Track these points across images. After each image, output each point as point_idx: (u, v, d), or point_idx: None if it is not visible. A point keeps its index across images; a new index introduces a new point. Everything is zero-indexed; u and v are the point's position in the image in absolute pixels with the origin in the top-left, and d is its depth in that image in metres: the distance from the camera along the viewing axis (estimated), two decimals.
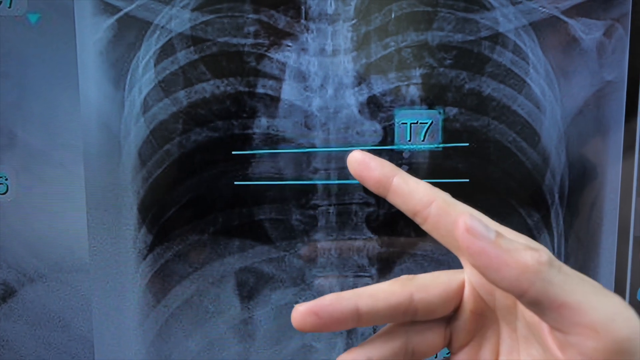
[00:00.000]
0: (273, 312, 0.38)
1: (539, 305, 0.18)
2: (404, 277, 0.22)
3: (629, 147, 0.36)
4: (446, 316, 0.23)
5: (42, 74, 0.36)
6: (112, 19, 0.35)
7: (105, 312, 0.38)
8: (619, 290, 0.38)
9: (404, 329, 0.23)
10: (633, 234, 0.37)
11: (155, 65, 0.36)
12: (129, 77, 0.36)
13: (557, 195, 0.37)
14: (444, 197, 0.22)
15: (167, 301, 0.38)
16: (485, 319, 0.23)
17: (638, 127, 0.36)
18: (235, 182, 0.37)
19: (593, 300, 0.18)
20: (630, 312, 0.18)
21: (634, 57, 0.36)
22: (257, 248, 0.37)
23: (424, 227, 0.22)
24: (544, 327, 0.19)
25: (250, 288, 0.38)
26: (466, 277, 0.23)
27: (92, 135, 0.36)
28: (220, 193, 0.37)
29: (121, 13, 0.35)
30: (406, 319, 0.22)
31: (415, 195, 0.22)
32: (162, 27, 0.35)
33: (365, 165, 0.23)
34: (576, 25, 0.35)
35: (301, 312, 0.21)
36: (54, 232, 0.37)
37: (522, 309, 0.21)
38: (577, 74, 0.36)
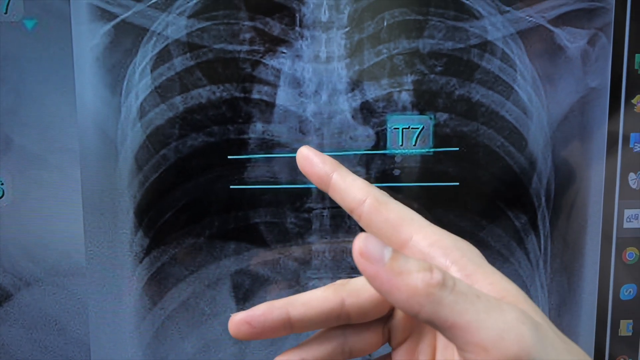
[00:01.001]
0: None
1: (433, 324, 0.18)
2: (338, 282, 0.23)
3: (611, 152, 0.38)
4: (383, 317, 0.23)
5: (39, 79, 0.36)
6: (108, 25, 0.36)
7: (102, 315, 0.38)
8: (603, 289, 0.39)
9: (340, 330, 0.23)
10: (616, 235, 0.39)
11: (151, 71, 0.36)
12: (125, 82, 0.36)
13: (543, 198, 0.38)
14: (377, 195, 0.22)
15: (163, 304, 0.38)
16: None
17: (620, 132, 0.38)
18: (231, 186, 0.37)
19: (483, 319, 0.18)
20: (524, 327, 0.18)
21: (616, 65, 0.37)
22: (252, 251, 0.38)
23: (360, 224, 0.23)
24: None
25: (245, 290, 0.38)
26: None
27: (88, 139, 0.37)
28: (216, 197, 0.37)
29: (118, 19, 0.36)
30: (340, 323, 0.23)
31: (350, 192, 0.22)
32: (159, 34, 0.36)
33: (308, 161, 0.23)
34: (561, 34, 0.37)
35: (235, 322, 0.22)
36: (51, 236, 0.37)
37: None
38: (562, 80, 0.37)
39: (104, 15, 0.36)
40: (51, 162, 0.37)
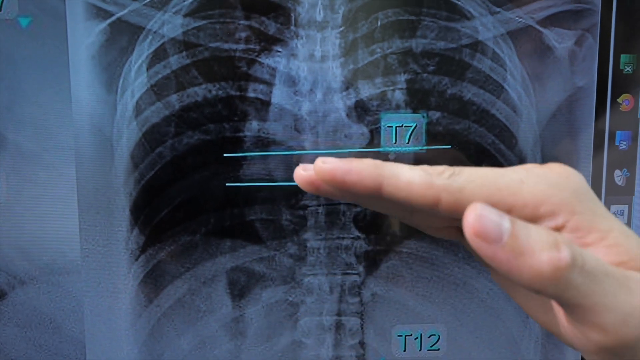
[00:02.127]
0: (264, 310, 0.39)
1: (554, 299, 0.17)
2: (445, 174, 0.19)
3: (598, 149, 0.39)
4: None
5: (34, 77, 0.36)
6: (104, 24, 0.36)
7: (98, 313, 0.38)
8: None
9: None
10: None
11: (147, 69, 0.36)
12: (121, 80, 0.36)
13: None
14: (446, 186, 0.18)
15: (159, 301, 0.39)
16: None
17: (606, 130, 0.39)
18: (227, 184, 0.38)
19: (609, 301, 0.17)
20: None
21: (603, 65, 0.38)
22: (248, 248, 0.38)
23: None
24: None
25: (241, 287, 0.39)
26: None
27: (84, 137, 0.37)
28: (212, 194, 0.38)
29: (113, 18, 0.36)
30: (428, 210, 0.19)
31: (414, 200, 0.19)
32: (155, 32, 0.36)
33: (339, 183, 0.19)
34: (550, 35, 0.38)
35: (326, 170, 0.19)
36: (46, 234, 0.37)
37: None
38: (550, 80, 0.38)
39: (100, 13, 0.36)
40: (46, 160, 0.37)
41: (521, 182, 0.19)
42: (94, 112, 0.37)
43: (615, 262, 0.18)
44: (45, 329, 0.38)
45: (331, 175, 0.19)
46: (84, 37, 0.36)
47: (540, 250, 0.16)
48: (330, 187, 0.19)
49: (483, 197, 0.18)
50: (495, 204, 0.18)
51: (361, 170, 0.18)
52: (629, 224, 0.40)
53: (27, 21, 0.36)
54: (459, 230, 0.21)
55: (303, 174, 0.19)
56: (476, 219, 0.16)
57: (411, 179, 0.18)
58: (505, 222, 0.16)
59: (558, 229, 0.18)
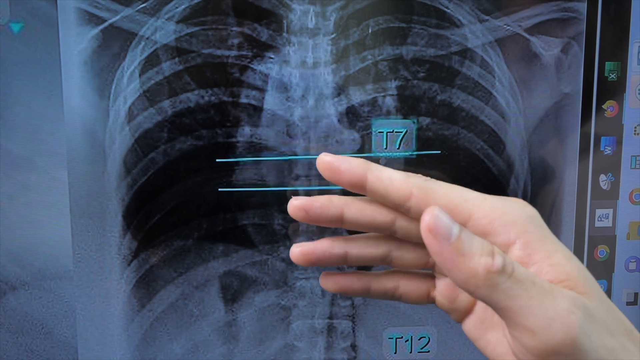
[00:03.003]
0: (256, 314, 0.39)
1: (485, 303, 0.19)
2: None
3: (584, 155, 0.40)
4: None
5: (25, 83, 0.36)
6: (96, 30, 0.36)
7: (90, 318, 0.38)
8: None
9: (389, 242, 0.24)
10: (588, 234, 0.41)
11: (140, 75, 0.37)
12: (113, 86, 0.37)
13: (520, 199, 0.40)
14: (421, 184, 0.22)
15: (152, 305, 0.39)
16: None
17: (592, 135, 0.40)
18: (219, 189, 0.38)
19: (535, 305, 0.18)
20: (572, 317, 0.18)
21: (588, 72, 0.39)
22: (240, 252, 0.39)
23: (410, 216, 0.23)
24: None
25: (234, 291, 0.39)
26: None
27: (76, 143, 0.37)
28: (204, 199, 0.38)
29: (106, 24, 0.36)
30: (385, 234, 0.24)
31: (391, 191, 0.22)
32: (147, 38, 0.36)
33: (334, 171, 0.22)
34: (537, 42, 0.38)
35: (295, 206, 0.23)
36: (38, 240, 0.37)
37: None
38: (538, 86, 0.39)
39: (92, 19, 0.36)
40: (38, 166, 0.37)
41: (484, 199, 0.22)
42: (86, 117, 0.37)
43: (555, 280, 0.20)
44: (37, 335, 0.38)
45: (329, 163, 0.23)
46: (76, 43, 0.36)
47: (478, 255, 0.19)
48: (327, 175, 0.23)
49: (449, 200, 0.21)
50: (458, 210, 0.21)
51: (352, 161, 0.23)
52: (613, 227, 0.41)
53: (19, 27, 0.36)
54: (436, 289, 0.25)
55: (295, 202, 0.23)
56: (432, 218, 0.19)
57: (392, 174, 0.22)
58: (455, 228, 0.19)
59: (509, 244, 0.21)
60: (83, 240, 0.38)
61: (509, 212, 0.21)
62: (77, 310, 0.38)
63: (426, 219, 0.19)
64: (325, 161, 0.23)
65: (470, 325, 0.24)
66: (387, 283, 0.25)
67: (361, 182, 0.22)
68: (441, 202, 0.21)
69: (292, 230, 0.39)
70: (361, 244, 0.24)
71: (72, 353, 0.39)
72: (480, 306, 0.24)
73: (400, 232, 0.23)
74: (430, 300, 0.25)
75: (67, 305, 0.38)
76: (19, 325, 0.38)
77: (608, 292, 0.41)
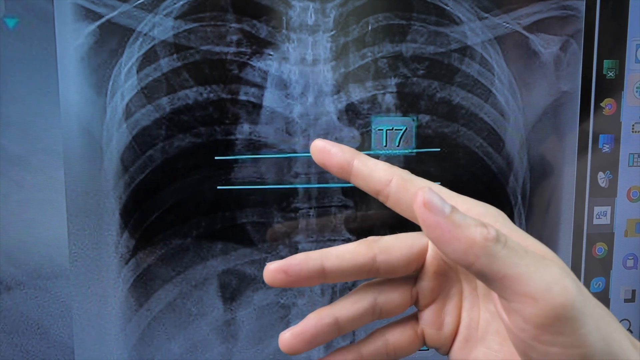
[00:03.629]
0: (255, 313, 0.39)
1: (485, 276, 0.19)
2: (370, 238, 0.24)
3: (582, 152, 0.40)
4: (411, 277, 0.24)
5: (21, 79, 0.35)
6: (93, 25, 0.36)
7: (86, 318, 0.38)
8: None
9: (371, 291, 0.24)
10: (586, 231, 0.41)
11: (138, 71, 0.36)
12: (111, 83, 0.36)
13: (519, 197, 0.40)
14: (402, 174, 0.23)
15: (149, 305, 0.38)
16: (448, 279, 0.24)
17: (590, 133, 0.40)
18: (218, 187, 0.38)
19: (532, 271, 0.19)
20: (567, 280, 0.19)
21: (586, 70, 0.39)
22: (239, 250, 0.38)
23: (388, 204, 0.24)
24: (493, 294, 0.21)
25: (232, 290, 0.39)
26: (429, 241, 0.24)
27: (73, 140, 0.36)
28: (203, 197, 0.38)
29: (103, 19, 0.36)
30: (369, 277, 0.24)
31: (375, 175, 0.23)
32: (145, 35, 0.36)
33: (326, 153, 0.24)
34: (536, 40, 0.39)
35: (272, 270, 0.22)
36: (33, 239, 0.37)
37: None
38: (536, 84, 0.39)
39: (89, 15, 0.35)
40: (33, 164, 0.36)
41: (458, 195, 0.23)
42: (83, 114, 0.36)
43: None
44: (32, 335, 0.38)
45: (322, 146, 0.24)
46: (73, 38, 0.35)
47: (474, 226, 0.19)
48: (318, 157, 0.24)
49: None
50: None
51: (342, 147, 0.24)
52: (611, 225, 0.41)
53: (14, 22, 0.35)
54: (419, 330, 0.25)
55: (271, 267, 0.23)
56: (425, 194, 0.19)
57: (377, 162, 0.24)
58: (447, 205, 0.19)
59: None
60: (79, 239, 0.37)
61: (480, 206, 0.23)
62: (74, 310, 0.38)
63: (420, 195, 0.19)
64: (318, 145, 0.24)
65: (456, 351, 0.24)
66: (376, 342, 0.25)
67: (348, 166, 0.23)
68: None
69: (270, 236, 0.38)
70: (346, 303, 0.24)
71: (68, 353, 0.38)
72: (464, 324, 0.24)
73: (383, 266, 0.23)
74: (421, 341, 0.25)
75: (63, 305, 0.38)
76: (14, 326, 0.37)
77: (606, 290, 0.42)
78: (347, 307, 0.23)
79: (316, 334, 0.23)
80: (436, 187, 0.23)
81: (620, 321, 0.42)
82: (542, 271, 0.19)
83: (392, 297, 0.24)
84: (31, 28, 0.35)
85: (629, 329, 0.42)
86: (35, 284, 0.37)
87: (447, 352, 0.25)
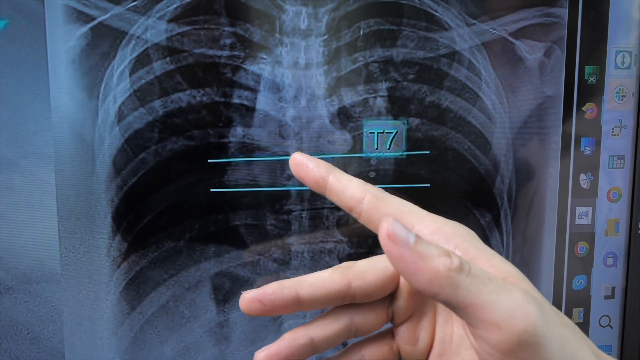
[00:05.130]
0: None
1: (450, 304, 0.20)
2: (343, 265, 0.24)
3: (565, 155, 0.41)
4: (387, 297, 0.24)
5: (10, 81, 0.35)
6: (85, 28, 0.35)
7: (78, 322, 0.38)
8: (558, 280, 0.43)
9: (347, 311, 0.24)
10: (569, 231, 0.42)
11: (130, 74, 0.36)
12: (103, 85, 0.36)
13: (505, 198, 0.41)
14: (374, 192, 0.24)
15: (142, 308, 0.38)
16: (422, 297, 0.25)
17: (572, 136, 0.41)
18: (211, 189, 0.38)
19: (495, 299, 0.19)
20: (529, 306, 0.19)
21: (569, 75, 0.41)
22: (232, 253, 0.39)
23: (360, 221, 0.24)
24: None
25: (225, 292, 0.39)
26: None
27: (64, 143, 0.36)
28: (196, 200, 0.38)
29: (95, 22, 0.35)
30: (345, 302, 0.24)
31: (347, 192, 0.24)
32: (138, 37, 0.36)
33: (303, 167, 0.24)
34: (521, 46, 0.40)
35: (247, 299, 0.23)
36: (23, 242, 0.36)
37: None
38: (522, 89, 0.40)
39: (81, 17, 0.35)
40: (24, 167, 0.36)
41: (427, 214, 0.24)
42: (75, 117, 0.36)
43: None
44: (22, 340, 0.37)
45: (299, 161, 0.24)
46: (64, 41, 0.35)
47: (438, 256, 0.19)
48: (295, 170, 0.24)
49: (396, 209, 0.23)
50: (404, 219, 0.23)
51: (319, 162, 0.24)
52: (592, 224, 0.42)
53: (4, 24, 0.35)
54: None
55: (246, 295, 0.23)
56: (389, 225, 0.19)
57: (351, 178, 0.24)
58: (411, 234, 0.20)
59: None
60: (71, 242, 0.37)
61: (449, 226, 0.23)
62: (65, 314, 0.37)
63: (384, 227, 0.19)
64: (296, 158, 0.24)
65: None
66: (352, 357, 0.25)
67: (323, 181, 0.24)
68: (390, 210, 0.23)
69: (248, 255, 0.39)
70: (321, 323, 0.24)
71: (59, 358, 0.38)
72: (438, 340, 0.25)
73: (359, 292, 0.23)
74: (397, 356, 0.26)
75: (54, 309, 0.37)
76: (3, 331, 0.37)
77: (587, 287, 0.43)
78: (323, 327, 0.24)
79: (290, 354, 0.23)
80: (408, 205, 0.24)
81: (601, 317, 0.44)
82: (505, 298, 0.19)
83: (368, 317, 0.24)
84: (21, 30, 0.35)
85: (609, 325, 0.44)
86: (25, 288, 0.37)
87: None
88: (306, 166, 0.24)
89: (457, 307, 0.20)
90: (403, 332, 0.25)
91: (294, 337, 0.23)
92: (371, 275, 0.23)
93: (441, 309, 0.25)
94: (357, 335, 0.24)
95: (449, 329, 0.24)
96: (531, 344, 0.19)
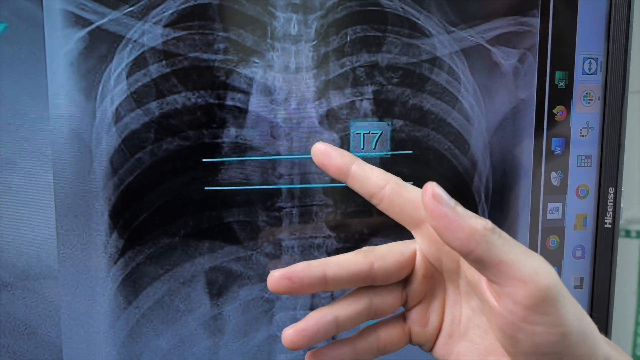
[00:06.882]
0: (241, 307, 0.41)
1: (482, 262, 0.22)
2: (365, 248, 0.26)
3: (537, 154, 0.44)
4: (401, 280, 0.27)
5: (9, 83, 0.36)
6: (83, 32, 0.36)
7: (75, 317, 0.39)
8: None
9: (367, 293, 0.26)
10: (542, 225, 0.45)
11: (127, 77, 0.37)
12: (100, 87, 0.37)
13: (483, 194, 0.44)
14: (396, 180, 0.26)
15: (138, 302, 0.40)
16: (434, 280, 0.27)
17: (544, 137, 0.44)
18: (206, 188, 0.39)
19: (522, 258, 0.21)
20: (549, 267, 0.22)
21: (541, 80, 0.44)
22: (226, 248, 0.40)
23: (380, 207, 0.26)
24: (483, 282, 0.23)
25: (219, 286, 0.41)
26: (417, 247, 0.26)
27: (62, 143, 0.37)
28: (191, 198, 0.39)
29: (93, 26, 0.37)
30: (366, 284, 0.26)
31: (371, 179, 0.25)
32: (135, 41, 0.37)
33: (327, 155, 0.26)
34: (497, 53, 0.43)
35: (276, 277, 0.24)
36: (21, 240, 0.37)
37: (464, 269, 0.25)
38: (498, 92, 0.43)
39: (79, 21, 0.36)
40: (22, 166, 0.37)
41: None
42: (73, 118, 0.37)
43: None
44: (19, 335, 0.38)
45: (323, 149, 0.26)
46: (62, 44, 0.36)
47: (475, 218, 0.22)
48: (319, 159, 0.26)
49: (416, 196, 0.25)
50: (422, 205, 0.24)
51: (343, 151, 0.26)
52: (562, 219, 0.45)
53: (3, 27, 0.36)
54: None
55: (275, 274, 0.24)
56: (435, 188, 0.22)
57: (373, 168, 0.26)
58: (451, 199, 0.22)
59: None
60: (68, 239, 0.38)
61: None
62: (62, 310, 0.38)
63: (429, 188, 0.22)
64: (320, 148, 0.26)
65: (440, 346, 0.27)
66: (369, 337, 0.27)
67: (346, 169, 0.26)
68: (410, 196, 0.25)
69: (271, 266, 0.40)
70: (344, 303, 0.26)
71: (56, 353, 0.39)
72: (447, 321, 0.27)
73: (380, 272, 0.25)
74: (407, 338, 0.27)
75: (52, 305, 0.38)
76: (2, 327, 0.38)
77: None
78: (346, 307, 0.25)
79: (317, 331, 0.24)
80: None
81: None
82: (530, 258, 0.22)
83: (386, 298, 0.26)
84: (20, 33, 0.36)
85: None
86: (24, 284, 0.38)
87: (431, 349, 0.28)
88: (329, 155, 0.26)
89: (488, 264, 0.22)
90: (415, 315, 0.27)
91: (320, 315, 0.25)
92: (391, 257, 0.25)
93: (450, 292, 0.27)
94: (375, 317, 0.26)
95: (457, 311, 0.26)
96: (552, 300, 0.21)
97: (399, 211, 0.25)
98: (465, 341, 0.26)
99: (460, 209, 0.22)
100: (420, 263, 0.26)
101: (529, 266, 0.22)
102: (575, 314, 0.22)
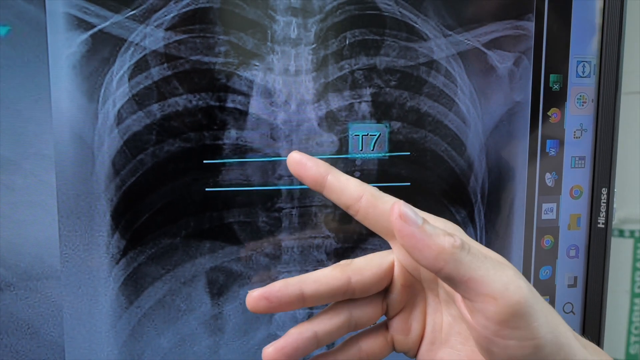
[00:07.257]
0: (241, 307, 0.42)
1: (452, 279, 0.22)
2: (342, 262, 0.26)
3: (532, 155, 0.45)
4: (381, 291, 0.26)
5: (12, 85, 0.36)
6: (86, 35, 0.37)
7: (77, 317, 0.39)
8: (526, 270, 0.46)
9: (346, 306, 0.26)
10: (536, 225, 0.46)
11: (129, 79, 0.38)
12: (102, 90, 0.38)
13: (479, 195, 0.45)
14: (372, 191, 0.25)
15: (139, 302, 0.40)
16: (413, 289, 0.27)
17: (539, 139, 0.45)
18: (207, 189, 0.40)
19: (492, 274, 0.21)
20: (520, 281, 0.22)
21: (536, 83, 0.44)
22: (226, 249, 0.41)
23: (357, 218, 0.26)
24: (457, 297, 0.23)
25: (220, 285, 0.41)
26: (395, 257, 0.26)
27: (64, 145, 0.38)
28: (192, 199, 0.40)
29: (95, 29, 0.37)
30: (345, 298, 0.25)
31: (347, 191, 0.25)
32: (137, 44, 0.38)
33: (302, 165, 0.25)
34: (493, 56, 0.43)
35: (254, 297, 0.24)
36: (24, 240, 0.38)
37: (442, 280, 0.25)
38: (493, 95, 0.44)
39: (81, 24, 0.37)
40: (25, 168, 0.37)
41: (421, 212, 0.25)
42: (75, 120, 0.38)
43: None
44: (22, 335, 0.38)
45: (298, 159, 0.26)
46: (65, 47, 0.37)
47: (443, 235, 0.22)
48: (294, 169, 0.26)
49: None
50: None
51: (317, 161, 0.26)
52: (557, 219, 0.46)
53: (6, 30, 0.36)
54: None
55: (253, 294, 0.24)
56: (401, 207, 0.22)
57: (349, 179, 0.26)
58: (419, 217, 0.22)
59: None
60: (71, 240, 0.38)
61: (440, 221, 0.26)
62: (64, 310, 0.39)
63: (396, 208, 0.22)
64: (295, 158, 0.26)
65: (423, 353, 0.27)
66: (350, 349, 0.27)
67: (322, 180, 0.25)
68: (386, 207, 0.25)
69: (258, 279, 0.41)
70: (324, 317, 0.26)
71: (58, 352, 0.39)
72: (429, 329, 0.27)
73: (358, 286, 0.25)
74: (391, 347, 0.28)
75: (54, 305, 0.39)
76: (4, 326, 0.38)
77: (552, 277, 0.47)
78: (325, 322, 0.25)
79: (297, 348, 0.24)
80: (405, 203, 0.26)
81: (565, 304, 0.48)
82: (500, 273, 0.22)
83: (366, 310, 0.26)
84: (23, 36, 0.36)
85: (571, 311, 0.48)
86: (26, 285, 0.38)
87: (415, 355, 0.28)
88: (305, 165, 0.25)
89: (458, 282, 0.22)
90: (396, 324, 0.27)
91: (300, 331, 0.25)
92: (368, 271, 0.25)
93: (431, 300, 0.27)
94: (356, 328, 0.26)
95: (438, 318, 0.27)
96: (523, 314, 0.21)
97: (374, 223, 0.25)
98: (447, 348, 0.26)
99: (429, 227, 0.22)
100: (398, 273, 0.26)
101: (499, 282, 0.21)
102: (549, 326, 0.22)
